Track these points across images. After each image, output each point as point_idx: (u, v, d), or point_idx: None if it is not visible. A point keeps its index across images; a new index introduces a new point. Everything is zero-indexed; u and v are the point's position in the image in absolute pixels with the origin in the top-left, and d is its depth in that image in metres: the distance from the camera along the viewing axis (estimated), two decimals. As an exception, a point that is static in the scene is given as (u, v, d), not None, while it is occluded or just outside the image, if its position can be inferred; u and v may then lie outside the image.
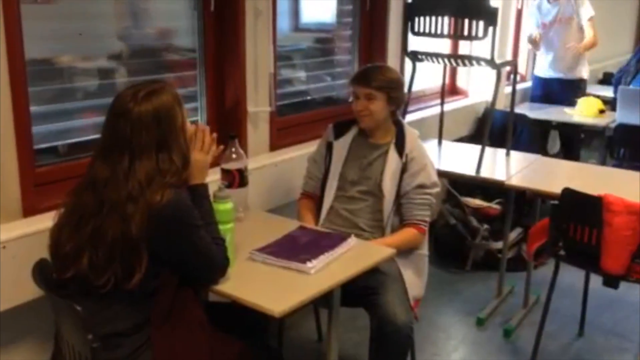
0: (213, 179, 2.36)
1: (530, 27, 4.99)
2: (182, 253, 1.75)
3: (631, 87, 4.55)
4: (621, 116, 4.24)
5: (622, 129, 4.19)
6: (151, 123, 1.71)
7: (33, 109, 2.12)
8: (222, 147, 2.01)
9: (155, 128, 1.71)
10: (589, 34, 4.85)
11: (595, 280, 2.71)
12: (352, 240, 2.19)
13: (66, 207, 1.75)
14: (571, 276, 2.98)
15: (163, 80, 1.89)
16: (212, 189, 2.01)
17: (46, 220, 1.89)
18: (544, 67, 5.03)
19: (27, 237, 1.97)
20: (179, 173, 1.75)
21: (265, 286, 1.93)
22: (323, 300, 2.01)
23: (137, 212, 1.64)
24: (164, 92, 1.76)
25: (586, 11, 4.86)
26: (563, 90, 4.96)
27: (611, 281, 2.56)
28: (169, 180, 1.70)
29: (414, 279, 2.53)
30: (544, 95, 5.05)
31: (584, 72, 5.03)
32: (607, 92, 5.20)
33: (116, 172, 1.68)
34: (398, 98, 2.61)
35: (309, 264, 1.98)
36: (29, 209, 2.08)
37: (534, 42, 4.89)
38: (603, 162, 4.43)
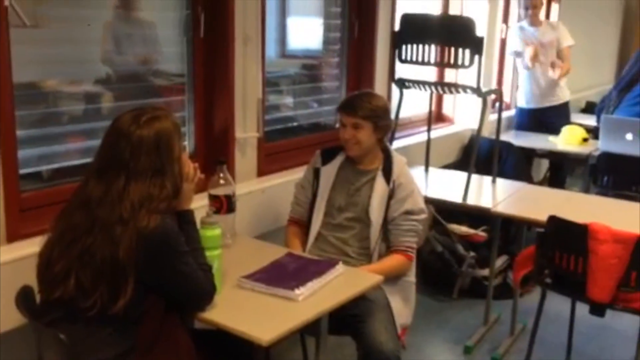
0: (201, 204, 2.36)
1: (512, 46, 5.04)
2: (168, 279, 1.73)
3: (614, 116, 4.60)
4: (604, 144, 4.28)
5: (606, 157, 4.23)
6: (151, 148, 1.72)
7: (19, 133, 2.10)
8: (203, 175, 2.01)
9: (154, 153, 1.72)
10: (565, 60, 4.97)
11: (582, 308, 2.71)
12: (340, 267, 2.18)
13: (56, 228, 1.74)
14: (558, 304, 2.98)
15: (165, 108, 1.90)
16: (200, 215, 1.99)
17: (31, 246, 1.87)
18: (527, 99, 5.09)
19: (11, 264, 1.94)
20: (169, 200, 1.74)
21: (253, 313, 1.91)
22: (310, 328, 1.99)
23: (126, 235, 1.63)
24: (165, 119, 1.79)
25: (566, 39, 4.96)
26: (549, 117, 5.03)
27: (598, 309, 2.56)
28: (157, 206, 1.69)
29: (402, 307, 2.52)
30: (529, 123, 5.10)
31: (567, 96, 5.13)
32: (590, 120, 5.25)
33: (110, 192, 1.69)
34: (385, 126, 2.62)
35: (296, 291, 1.97)
36: (13, 235, 2.05)
37: (531, 59, 4.94)
38: (587, 190, 4.46)
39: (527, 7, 4.86)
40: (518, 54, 4.98)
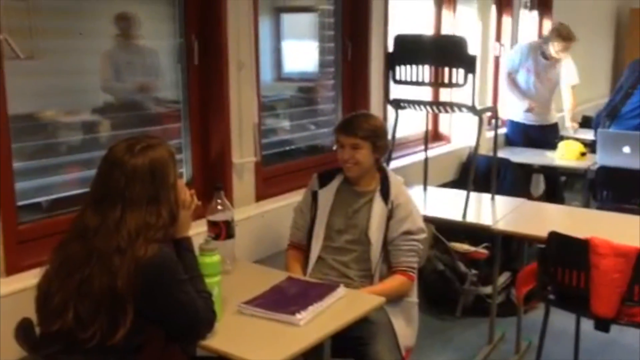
0: (199, 231, 2.35)
1: (508, 65, 5.05)
2: (167, 308, 1.72)
3: (610, 130, 4.61)
4: (602, 159, 4.29)
5: (604, 171, 4.23)
6: (145, 176, 1.72)
7: (15, 165, 2.10)
8: (200, 202, 2.01)
9: (149, 182, 1.72)
10: (569, 98, 5.02)
11: (587, 324, 2.69)
12: (341, 290, 2.17)
13: (54, 260, 1.73)
14: (562, 320, 2.96)
15: (159, 137, 1.91)
16: (198, 242, 1.99)
17: (29, 278, 1.86)
18: (520, 113, 5.10)
19: (10, 297, 1.93)
20: (166, 228, 1.73)
21: (254, 339, 1.89)
22: (313, 352, 1.97)
23: (124, 265, 1.62)
24: (160, 147, 1.79)
25: (573, 77, 4.97)
26: (542, 135, 5.04)
27: (602, 325, 2.54)
28: (154, 235, 1.69)
29: (405, 328, 2.50)
30: (522, 140, 5.12)
31: (556, 118, 5.18)
32: (587, 135, 5.27)
33: (107, 222, 1.68)
34: (383, 146, 2.63)
35: (298, 316, 1.95)
36: (12, 267, 2.04)
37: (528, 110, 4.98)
38: (586, 205, 4.45)
39: (564, 49, 4.77)
40: (514, 73, 5.00)
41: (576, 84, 5.02)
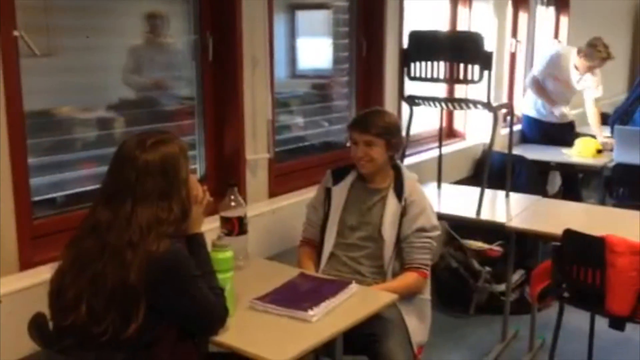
0: (212, 227, 2.36)
1: (539, 71, 5.00)
2: (180, 304, 1.73)
3: (628, 127, 4.57)
4: (619, 156, 4.25)
5: (621, 168, 4.20)
6: (156, 172, 1.72)
7: (31, 160, 2.12)
8: (212, 198, 2.01)
9: (160, 177, 1.72)
10: (594, 111, 4.94)
11: (602, 322, 2.68)
12: (354, 287, 2.17)
13: (67, 256, 1.74)
14: (576, 318, 2.94)
15: (171, 132, 1.91)
16: (211, 238, 1.99)
17: (43, 273, 1.87)
18: (539, 109, 5.05)
19: (24, 291, 1.95)
20: (177, 224, 1.74)
21: (267, 335, 1.90)
22: (325, 349, 1.98)
23: (136, 259, 1.63)
24: (171, 142, 1.79)
25: (598, 90, 4.90)
26: (559, 132, 5.00)
27: (617, 323, 2.52)
28: (166, 230, 1.69)
29: (417, 325, 2.49)
30: (540, 136, 5.07)
31: (572, 116, 5.13)
32: (603, 132, 5.23)
33: (118, 216, 1.69)
34: (397, 143, 2.62)
35: (310, 312, 1.96)
36: (26, 262, 2.06)
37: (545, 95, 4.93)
38: (602, 202, 4.42)
39: (598, 64, 4.73)
40: (535, 78, 4.93)
41: (600, 97, 4.94)
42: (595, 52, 4.67)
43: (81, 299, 1.65)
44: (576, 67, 4.83)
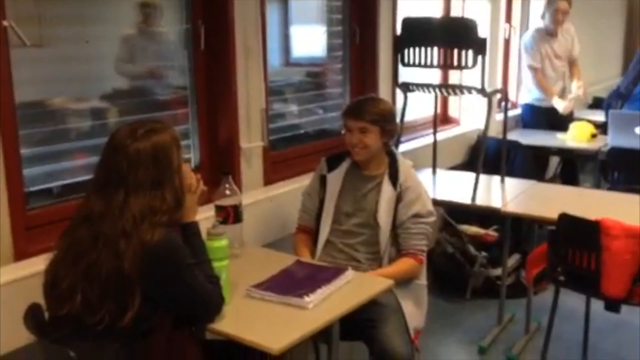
0: (207, 215, 2.36)
1: (536, 61, 4.97)
2: (175, 293, 1.73)
3: (623, 111, 4.57)
4: (613, 140, 4.25)
5: (615, 152, 4.20)
6: (148, 161, 1.71)
7: (24, 151, 2.11)
8: (206, 187, 2.01)
9: (152, 166, 1.72)
10: (578, 68, 4.94)
11: (597, 305, 2.69)
12: (350, 273, 2.17)
13: (61, 246, 1.74)
14: (572, 301, 2.96)
15: (162, 121, 1.90)
16: (207, 226, 1.99)
17: (38, 264, 1.86)
18: (538, 96, 5.03)
19: (19, 282, 1.95)
20: (171, 213, 1.74)
21: (263, 323, 1.90)
22: (322, 335, 1.98)
23: (130, 248, 1.63)
24: (163, 131, 1.78)
25: (577, 46, 4.92)
26: (558, 117, 4.99)
27: (612, 305, 2.54)
28: (159, 219, 1.69)
29: (414, 310, 2.50)
30: (542, 123, 5.06)
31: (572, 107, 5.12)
32: (598, 116, 5.23)
33: (111, 206, 1.68)
34: (391, 130, 2.61)
35: (306, 299, 1.96)
36: (21, 253, 2.06)
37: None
38: (597, 186, 4.43)
39: (558, 10, 4.72)
40: (533, 68, 4.91)
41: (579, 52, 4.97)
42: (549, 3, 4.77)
43: (76, 289, 1.65)
44: (552, 34, 4.85)
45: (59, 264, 1.71)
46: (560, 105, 4.82)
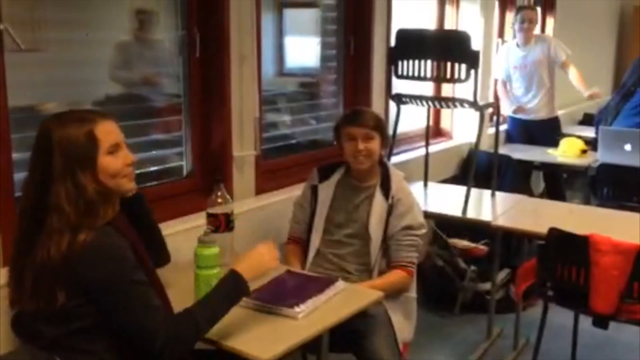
0: (199, 223, 2.35)
1: (500, 72, 5.07)
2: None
3: (612, 127, 4.60)
4: (603, 156, 4.28)
5: (605, 168, 4.23)
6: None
7: (16, 155, 2.10)
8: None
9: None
10: (573, 72, 4.96)
11: (585, 321, 2.70)
12: (340, 284, 2.17)
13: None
14: (561, 317, 2.96)
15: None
16: (198, 234, 1.99)
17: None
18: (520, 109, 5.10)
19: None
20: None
21: (252, 332, 1.89)
22: (311, 346, 1.98)
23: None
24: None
25: (562, 52, 4.95)
26: (542, 130, 5.03)
27: (601, 321, 2.54)
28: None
29: (403, 322, 2.50)
30: (522, 136, 5.11)
31: (557, 111, 5.16)
32: (588, 132, 5.27)
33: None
34: (387, 138, 2.65)
35: (296, 309, 1.96)
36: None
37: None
38: (587, 202, 4.45)
39: (524, 20, 4.85)
40: (496, 80, 5.02)
41: (569, 54, 4.96)
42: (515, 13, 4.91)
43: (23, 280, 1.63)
44: (525, 43, 4.92)
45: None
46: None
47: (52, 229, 1.59)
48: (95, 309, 1.62)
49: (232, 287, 1.81)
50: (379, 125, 2.57)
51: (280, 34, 3.43)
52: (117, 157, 1.70)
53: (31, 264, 1.61)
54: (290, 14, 3.51)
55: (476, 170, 3.41)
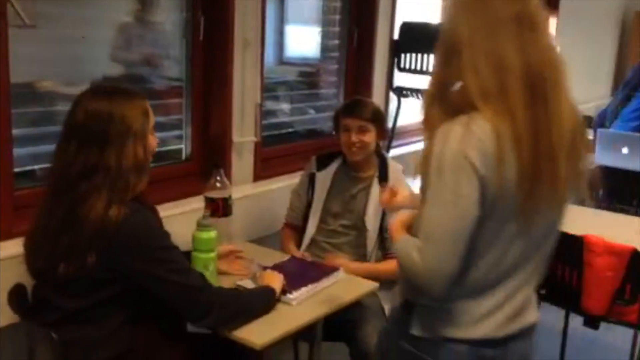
0: (196, 207, 2.35)
1: None
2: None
3: (610, 130, 4.61)
4: (600, 158, 4.29)
5: (602, 171, 4.24)
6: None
7: (14, 131, 2.09)
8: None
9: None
10: None
11: (576, 322, 2.71)
12: (340, 274, 2.18)
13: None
14: (551, 317, 2.97)
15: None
16: (196, 218, 1.99)
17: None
18: None
19: (4, 262, 1.92)
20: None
21: (247, 318, 1.90)
22: (305, 334, 1.98)
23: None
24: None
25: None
26: None
27: (591, 321, 2.56)
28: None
29: (396, 314, 2.50)
30: None
31: None
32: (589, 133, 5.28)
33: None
34: (385, 131, 2.64)
35: (289, 295, 1.96)
36: (7, 233, 2.03)
37: None
38: (582, 203, 4.46)
39: None
40: None
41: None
42: None
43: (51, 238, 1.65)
44: None
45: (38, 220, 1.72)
46: None
47: (95, 186, 1.62)
48: (128, 280, 1.66)
49: (268, 298, 1.91)
50: (376, 118, 2.56)
51: (281, 21, 3.41)
52: (154, 137, 1.80)
53: (67, 225, 1.63)
54: (292, 1, 3.49)
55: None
